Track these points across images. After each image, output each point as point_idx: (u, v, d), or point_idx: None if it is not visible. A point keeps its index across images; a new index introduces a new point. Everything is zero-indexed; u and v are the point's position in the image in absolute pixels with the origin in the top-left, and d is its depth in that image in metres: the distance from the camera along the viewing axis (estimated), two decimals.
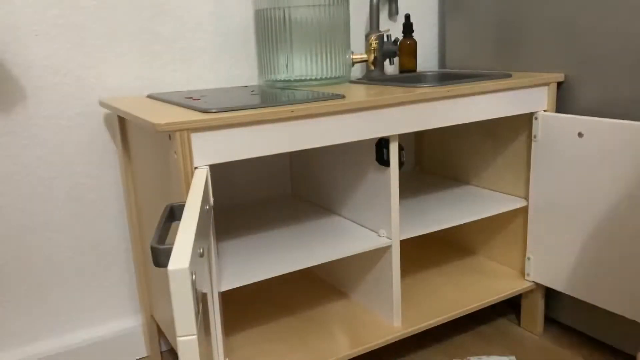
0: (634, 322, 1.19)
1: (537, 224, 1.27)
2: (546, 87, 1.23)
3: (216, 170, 0.90)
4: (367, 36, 1.42)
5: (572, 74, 1.22)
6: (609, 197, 1.10)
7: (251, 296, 1.31)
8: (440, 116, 1.11)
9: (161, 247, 0.63)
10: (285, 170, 1.47)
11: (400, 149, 1.08)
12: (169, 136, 0.87)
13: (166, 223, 0.74)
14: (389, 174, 1.08)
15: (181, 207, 0.72)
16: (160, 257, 0.63)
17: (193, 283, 0.55)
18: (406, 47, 1.50)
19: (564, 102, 1.24)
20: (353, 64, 1.38)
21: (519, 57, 1.33)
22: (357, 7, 1.48)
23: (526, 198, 1.31)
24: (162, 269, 1.02)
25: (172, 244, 0.60)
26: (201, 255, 0.66)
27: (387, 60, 1.47)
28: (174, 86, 1.28)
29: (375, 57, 1.42)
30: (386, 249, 1.13)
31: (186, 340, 0.55)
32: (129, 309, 1.34)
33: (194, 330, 0.55)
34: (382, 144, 1.08)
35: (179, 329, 0.55)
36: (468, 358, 1.19)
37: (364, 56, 1.40)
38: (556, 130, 1.19)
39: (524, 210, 1.31)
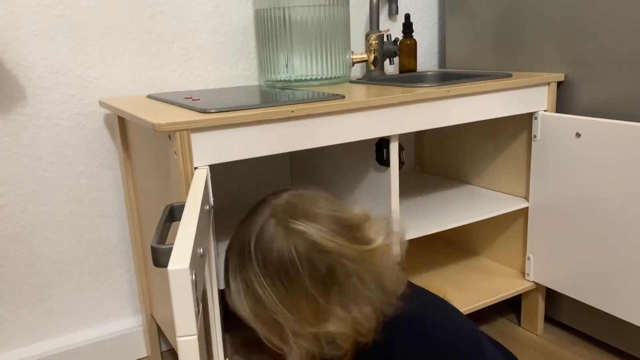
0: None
1: (537, 223, 1.27)
2: (546, 87, 1.23)
3: (216, 170, 0.90)
4: (367, 36, 1.42)
5: (572, 74, 1.22)
6: (608, 198, 1.10)
7: None
8: (440, 116, 1.11)
9: (161, 247, 0.63)
10: (285, 170, 1.47)
11: (400, 149, 1.08)
12: (169, 136, 0.87)
13: (166, 223, 0.74)
14: (389, 174, 1.08)
15: (181, 207, 0.72)
16: (160, 257, 0.63)
17: (193, 283, 0.55)
18: (406, 47, 1.50)
19: (564, 102, 1.24)
20: (353, 64, 1.38)
21: (519, 57, 1.33)
22: (357, 7, 1.48)
23: (526, 198, 1.31)
24: (162, 269, 1.02)
25: (172, 244, 0.60)
26: (201, 255, 0.66)
27: (387, 60, 1.47)
28: (174, 86, 1.28)
29: (375, 57, 1.42)
30: None
31: (186, 340, 0.55)
32: (129, 309, 1.34)
33: (194, 330, 0.55)
34: (382, 144, 1.08)
35: (178, 329, 0.55)
36: None
37: (364, 56, 1.40)
38: (555, 130, 1.19)
39: (524, 210, 1.31)
